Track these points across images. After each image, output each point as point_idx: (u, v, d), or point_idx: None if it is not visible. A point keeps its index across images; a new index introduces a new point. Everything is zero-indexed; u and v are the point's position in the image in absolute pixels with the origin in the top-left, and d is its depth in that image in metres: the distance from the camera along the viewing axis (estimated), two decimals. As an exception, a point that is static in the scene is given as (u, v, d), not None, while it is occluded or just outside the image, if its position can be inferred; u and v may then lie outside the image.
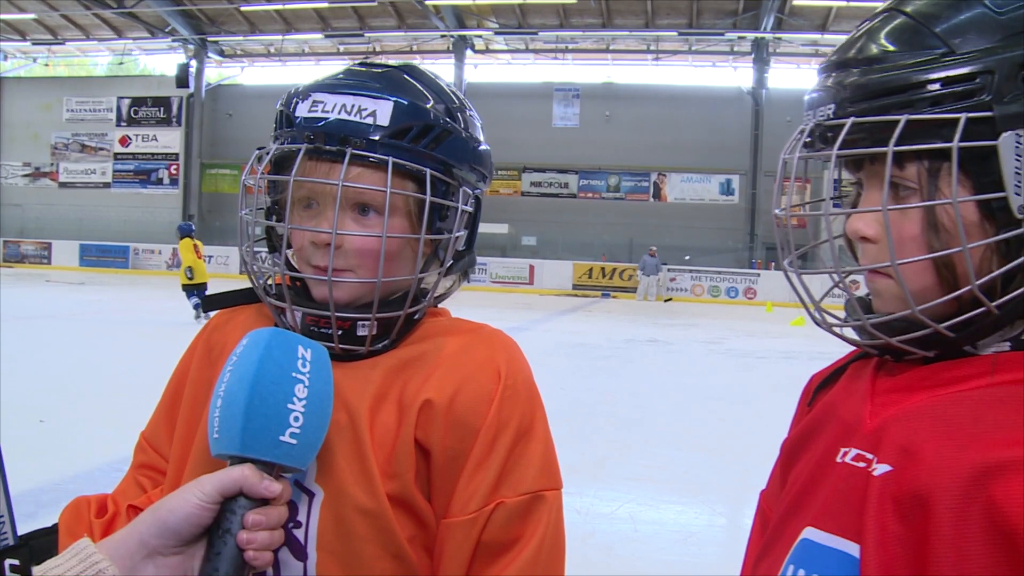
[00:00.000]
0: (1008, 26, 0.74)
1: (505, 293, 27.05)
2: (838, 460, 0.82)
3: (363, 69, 1.18)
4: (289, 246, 1.17)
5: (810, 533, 0.81)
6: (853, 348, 0.96)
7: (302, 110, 1.12)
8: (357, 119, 1.11)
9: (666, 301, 26.23)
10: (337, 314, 1.13)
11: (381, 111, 1.12)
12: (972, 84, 0.73)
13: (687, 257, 27.88)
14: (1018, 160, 0.73)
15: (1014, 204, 0.73)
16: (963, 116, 0.72)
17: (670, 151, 30.38)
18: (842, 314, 0.89)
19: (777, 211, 0.93)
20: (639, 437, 7.19)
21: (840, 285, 0.89)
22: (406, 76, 1.19)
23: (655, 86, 31.66)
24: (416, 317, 1.20)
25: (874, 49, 0.79)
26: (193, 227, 16.27)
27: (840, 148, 0.79)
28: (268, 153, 1.14)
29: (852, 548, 0.76)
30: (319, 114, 1.11)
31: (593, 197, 30.87)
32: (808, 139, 0.85)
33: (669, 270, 27.47)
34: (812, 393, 1.00)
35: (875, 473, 0.76)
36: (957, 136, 0.72)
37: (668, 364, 11.62)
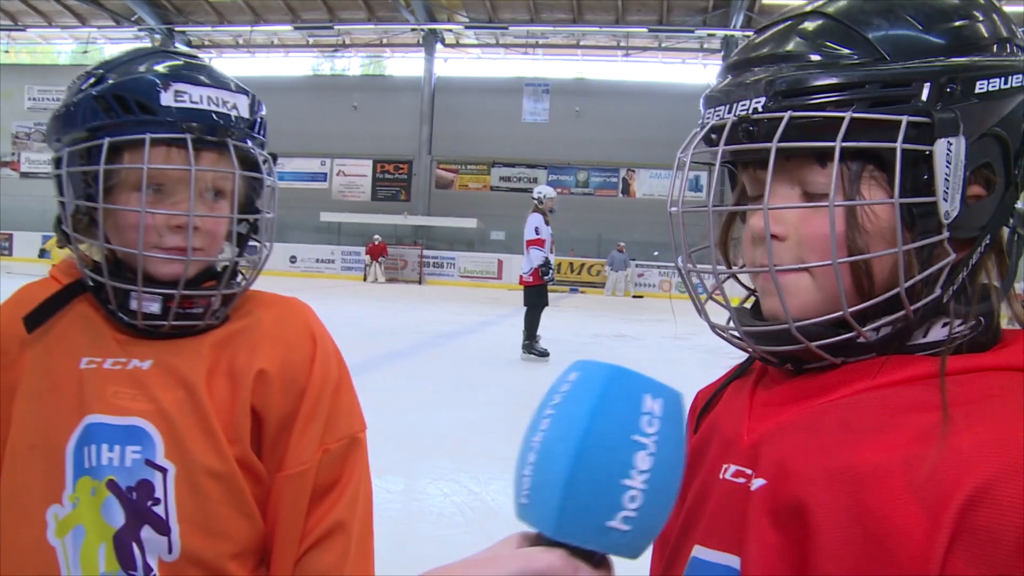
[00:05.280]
0: (935, 41, 0.76)
1: (473, 288, 27.04)
2: (720, 477, 0.82)
3: (193, 61, 1.26)
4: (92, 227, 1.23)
5: (697, 551, 0.82)
6: (733, 366, 0.99)
7: (166, 99, 1.17)
8: (227, 111, 1.21)
9: (635, 297, 26.34)
10: (185, 292, 1.21)
11: (241, 104, 1.24)
12: (908, 89, 0.74)
13: (656, 253, 28.02)
14: (947, 167, 0.74)
15: (941, 210, 0.75)
16: (904, 119, 0.73)
17: (639, 147, 30.52)
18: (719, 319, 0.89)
19: (672, 209, 0.92)
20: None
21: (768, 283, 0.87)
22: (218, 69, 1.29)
23: (625, 82, 31.80)
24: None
25: (807, 46, 0.79)
26: None
27: (756, 143, 0.79)
28: (145, 143, 1.16)
29: (735, 562, 0.77)
30: (188, 105, 1.18)
31: (562, 192, 30.84)
32: (713, 135, 0.84)
33: (637, 266, 27.61)
34: (696, 419, 1.00)
35: (752, 488, 0.77)
36: (900, 137, 0.73)
37: (635, 359, 11.66)
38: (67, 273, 1.30)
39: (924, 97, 0.74)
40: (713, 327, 0.90)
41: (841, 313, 0.77)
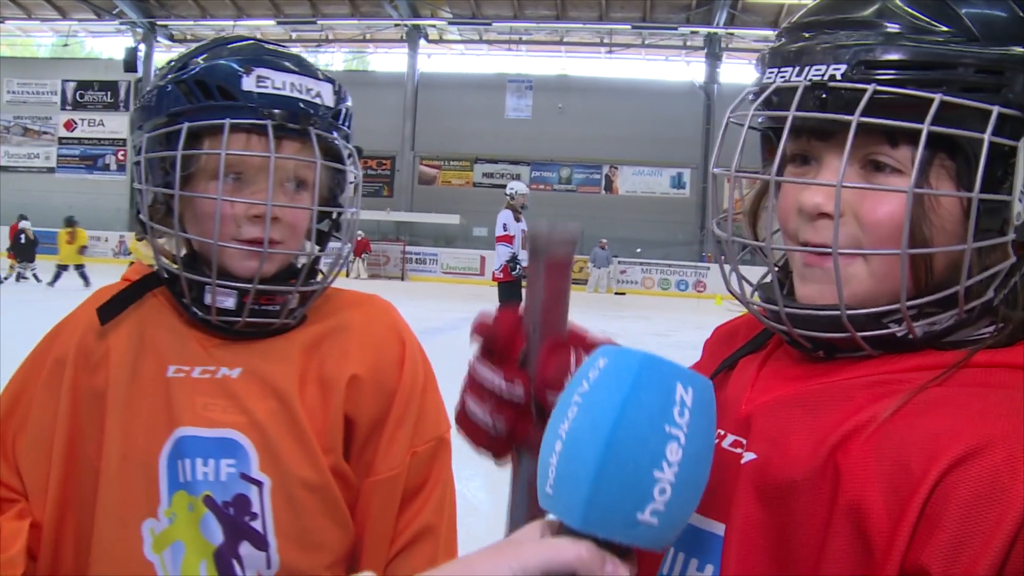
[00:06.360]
0: None
1: (456, 284, 26.99)
2: (719, 444, 0.80)
3: (278, 48, 1.22)
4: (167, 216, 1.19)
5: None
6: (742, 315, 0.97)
7: (248, 84, 1.13)
8: (310, 99, 1.16)
9: (617, 295, 26.36)
10: (260, 287, 1.15)
11: (325, 92, 1.19)
12: (1000, 78, 0.70)
13: (638, 250, 28.01)
14: None
15: (1014, 211, 0.71)
16: (996, 109, 0.69)
17: (622, 144, 30.46)
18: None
19: (716, 171, 0.85)
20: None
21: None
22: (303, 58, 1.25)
23: (608, 79, 31.71)
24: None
25: (894, 14, 0.73)
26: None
27: (827, 112, 0.73)
28: (224, 129, 1.11)
29: (720, 529, 0.77)
30: (270, 90, 1.13)
31: (545, 189, 30.83)
32: (775, 98, 0.77)
33: (620, 263, 27.62)
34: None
35: (743, 461, 0.77)
36: (990, 129, 0.69)
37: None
38: (140, 274, 1.25)
39: (1017, 88, 0.69)
40: (746, 302, 0.84)
41: (897, 305, 0.73)
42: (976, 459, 0.63)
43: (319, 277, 1.26)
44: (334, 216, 1.30)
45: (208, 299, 1.16)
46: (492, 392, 0.78)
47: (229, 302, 1.16)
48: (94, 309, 1.22)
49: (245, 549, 1.14)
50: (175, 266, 1.19)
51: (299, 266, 1.25)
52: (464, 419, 0.81)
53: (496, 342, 0.79)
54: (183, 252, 1.21)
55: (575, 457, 0.64)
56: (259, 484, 1.14)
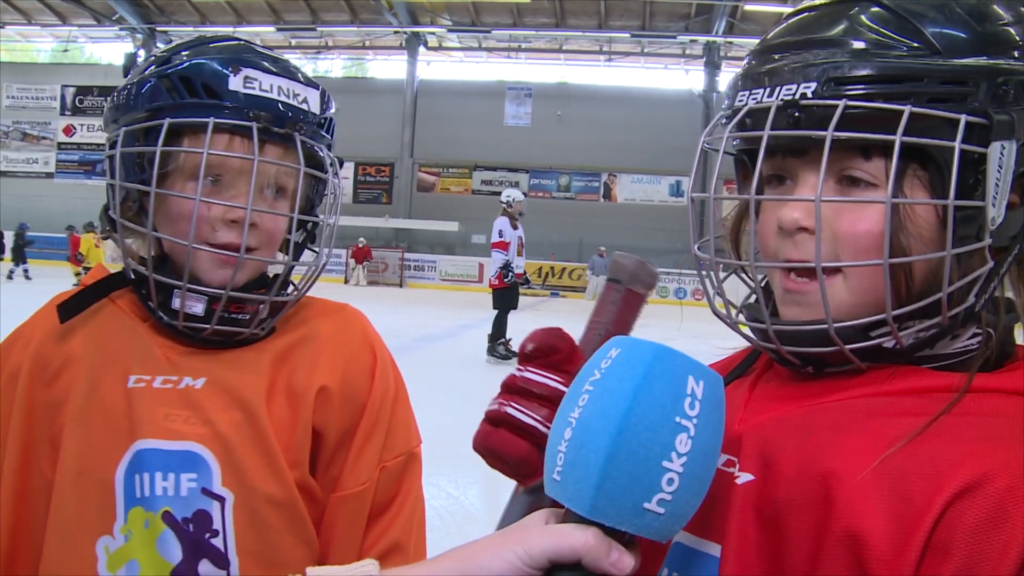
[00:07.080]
0: (988, 41, 0.74)
1: (454, 291, 26.99)
2: None
3: (264, 51, 1.19)
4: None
5: (681, 536, 0.81)
6: (733, 354, 0.98)
7: (235, 84, 1.10)
8: (297, 104, 1.13)
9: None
10: (233, 293, 1.12)
11: (311, 98, 1.16)
12: (965, 88, 0.72)
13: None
14: (998, 172, 0.72)
15: (988, 215, 0.73)
16: (963, 117, 0.71)
17: (621, 152, 30.54)
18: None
19: (695, 195, 0.87)
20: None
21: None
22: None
23: (607, 87, 31.81)
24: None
25: (859, 32, 0.75)
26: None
27: (801, 129, 0.74)
28: (208, 128, 1.07)
29: (715, 549, 0.77)
30: (257, 92, 1.10)
31: (544, 196, 30.88)
32: (748, 120, 0.79)
33: (618, 270, 27.64)
34: None
35: (738, 481, 0.77)
36: (959, 136, 0.70)
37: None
38: (98, 279, 1.20)
39: (981, 97, 0.71)
40: (733, 323, 0.86)
41: (883, 316, 0.74)
42: (980, 488, 0.63)
43: (289, 288, 1.23)
44: (309, 227, 1.26)
45: (176, 304, 1.12)
46: (539, 393, 0.77)
47: (198, 308, 1.12)
48: (50, 316, 1.17)
49: (205, 568, 1.09)
50: (144, 268, 1.13)
51: (271, 276, 1.23)
52: (496, 434, 0.79)
53: (557, 353, 0.79)
54: (151, 251, 1.15)
55: (585, 444, 0.64)
56: (221, 500, 1.10)
